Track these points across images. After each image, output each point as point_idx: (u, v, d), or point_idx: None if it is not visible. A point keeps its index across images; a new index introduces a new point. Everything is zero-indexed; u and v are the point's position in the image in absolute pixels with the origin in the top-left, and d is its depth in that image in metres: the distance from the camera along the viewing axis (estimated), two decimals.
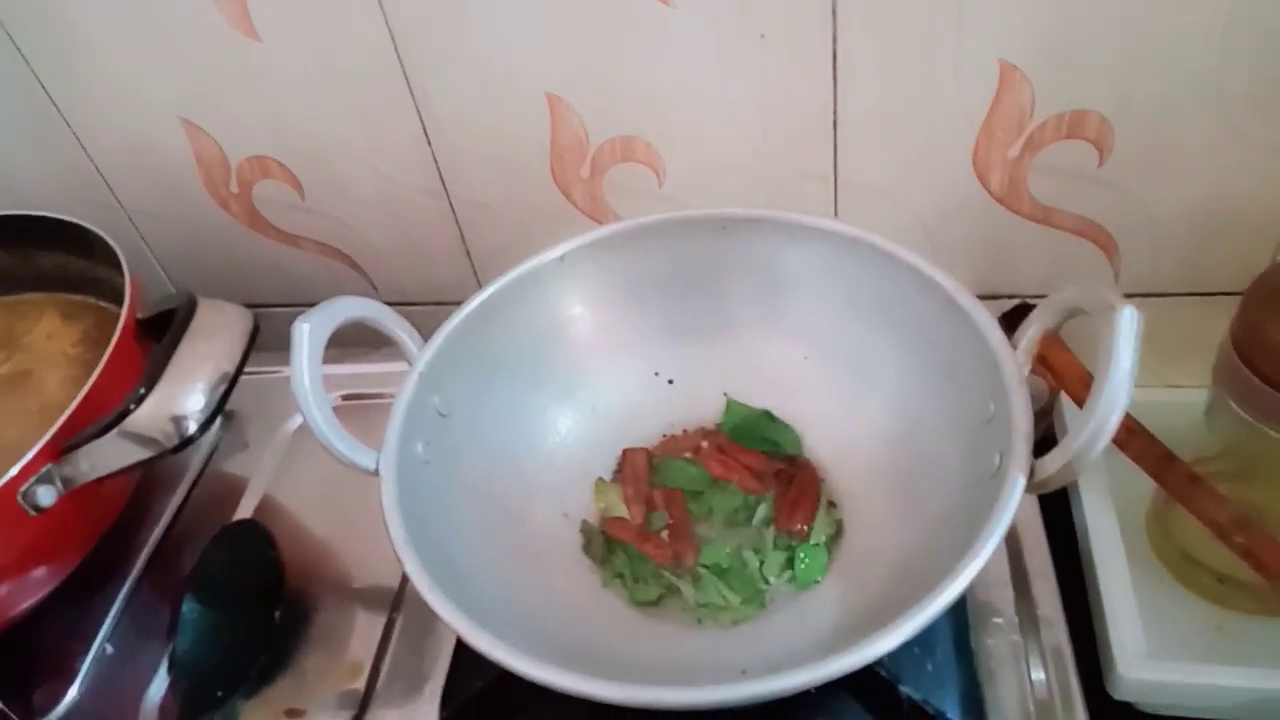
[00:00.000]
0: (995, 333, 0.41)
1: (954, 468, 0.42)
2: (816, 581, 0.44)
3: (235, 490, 0.58)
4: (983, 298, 0.42)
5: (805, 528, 0.45)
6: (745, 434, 0.50)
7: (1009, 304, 0.55)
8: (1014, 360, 0.39)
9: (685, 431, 0.51)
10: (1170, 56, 0.47)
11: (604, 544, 0.47)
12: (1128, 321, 0.35)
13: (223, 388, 0.45)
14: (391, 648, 0.48)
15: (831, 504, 0.47)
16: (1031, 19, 0.47)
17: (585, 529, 0.48)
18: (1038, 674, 0.43)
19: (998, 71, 0.49)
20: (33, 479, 0.42)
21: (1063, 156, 0.51)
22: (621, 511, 0.48)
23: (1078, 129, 0.50)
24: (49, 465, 0.43)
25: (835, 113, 0.52)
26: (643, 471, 0.49)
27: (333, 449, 0.42)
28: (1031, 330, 0.40)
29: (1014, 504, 0.35)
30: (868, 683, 0.40)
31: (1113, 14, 0.46)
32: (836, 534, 0.46)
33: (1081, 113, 0.50)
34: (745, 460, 0.48)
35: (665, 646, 0.42)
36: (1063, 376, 0.45)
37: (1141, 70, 0.48)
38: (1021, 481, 0.36)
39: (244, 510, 0.57)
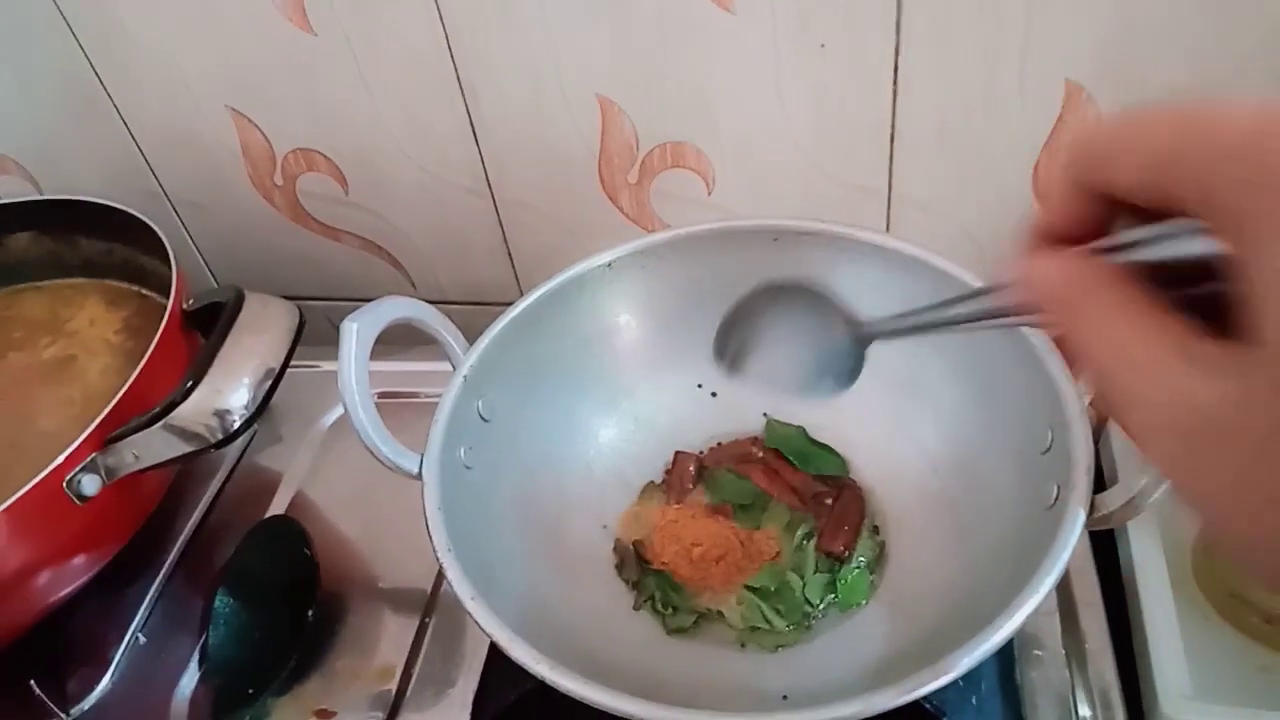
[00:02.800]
0: (1055, 360, 0.40)
1: (1007, 498, 0.41)
2: (859, 605, 0.43)
3: (269, 485, 0.58)
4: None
5: (847, 550, 0.44)
6: (787, 453, 0.49)
7: None
8: (1075, 390, 0.38)
9: (735, 439, 0.50)
10: (1239, 82, 0.46)
11: (637, 566, 0.46)
12: None
13: (268, 384, 0.45)
14: (423, 652, 0.48)
15: (875, 528, 0.46)
16: (1100, 39, 0.46)
17: (619, 548, 0.47)
18: (1084, 710, 0.42)
19: (1063, 91, 0.48)
20: (78, 468, 0.42)
21: None
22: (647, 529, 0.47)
23: None
24: (94, 454, 0.43)
25: (893, 126, 0.51)
26: (689, 478, 0.49)
27: (377, 451, 0.41)
28: None
29: (1073, 539, 0.34)
30: (911, 714, 0.39)
31: (1181, 37, 0.45)
32: (879, 557, 0.45)
33: None
34: (791, 478, 0.48)
35: (704, 667, 0.42)
36: None
37: (1209, 94, 0.46)
38: (1082, 517, 0.35)
39: (277, 506, 0.56)
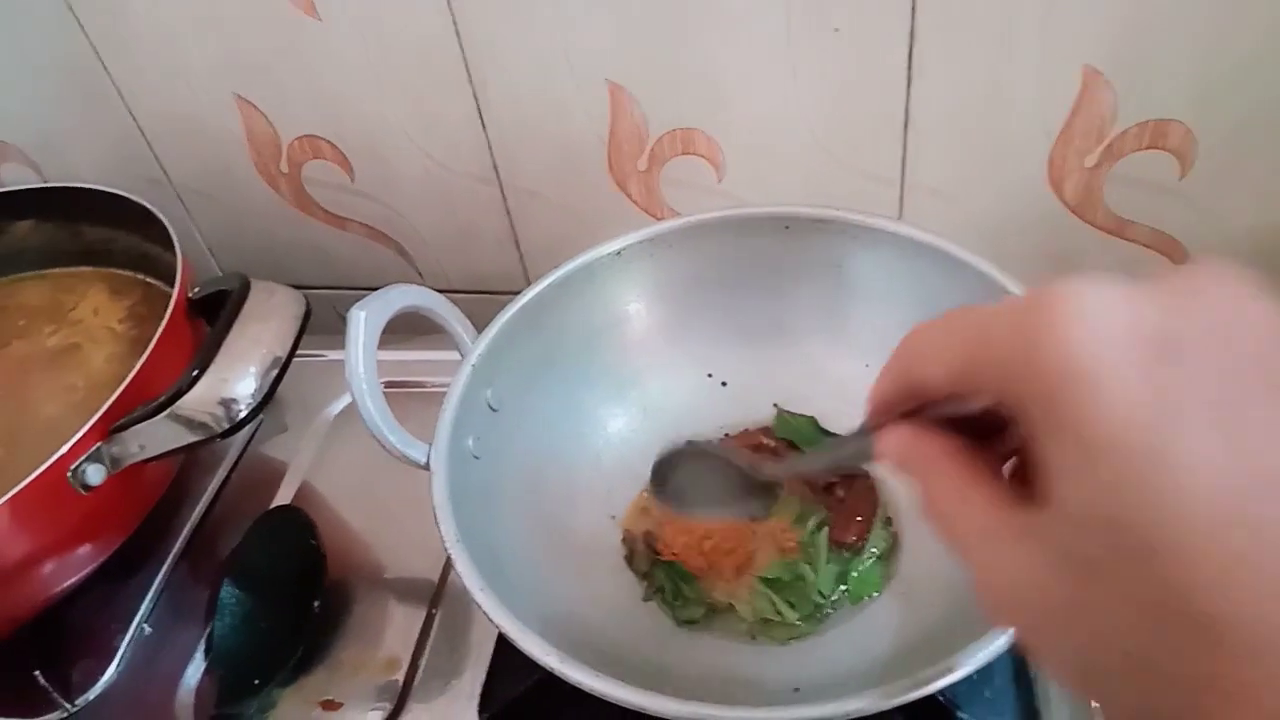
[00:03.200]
0: None
1: None
2: (872, 596, 0.43)
3: (274, 475, 0.57)
4: None
5: (859, 540, 0.44)
6: (798, 443, 0.48)
7: None
8: None
9: (745, 430, 0.50)
10: (1260, 69, 0.45)
11: (647, 557, 0.45)
12: None
13: (274, 372, 0.44)
14: (430, 643, 0.48)
15: (888, 519, 0.45)
16: (1119, 24, 0.45)
17: (628, 539, 0.46)
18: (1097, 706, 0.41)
19: (1080, 76, 0.47)
20: (83, 457, 0.42)
21: (1142, 167, 0.50)
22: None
23: (1160, 139, 0.48)
24: (99, 444, 0.42)
25: (907, 113, 0.50)
26: None
27: (385, 440, 0.41)
28: None
29: None
30: (923, 707, 0.38)
31: (1204, 22, 0.44)
32: (892, 548, 0.44)
33: (1165, 122, 0.48)
34: None
35: (714, 660, 0.41)
36: None
37: (1231, 82, 0.46)
38: None
39: (283, 496, 0.56)
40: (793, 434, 0.49)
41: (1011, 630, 0.21)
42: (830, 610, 0.43)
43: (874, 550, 0.44)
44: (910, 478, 0.23)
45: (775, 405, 0.50)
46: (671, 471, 0.38)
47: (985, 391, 0.20)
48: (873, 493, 0.46)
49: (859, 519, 0.45)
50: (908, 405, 0.23)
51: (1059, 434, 0.18)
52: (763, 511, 0.36)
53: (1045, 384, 0.18)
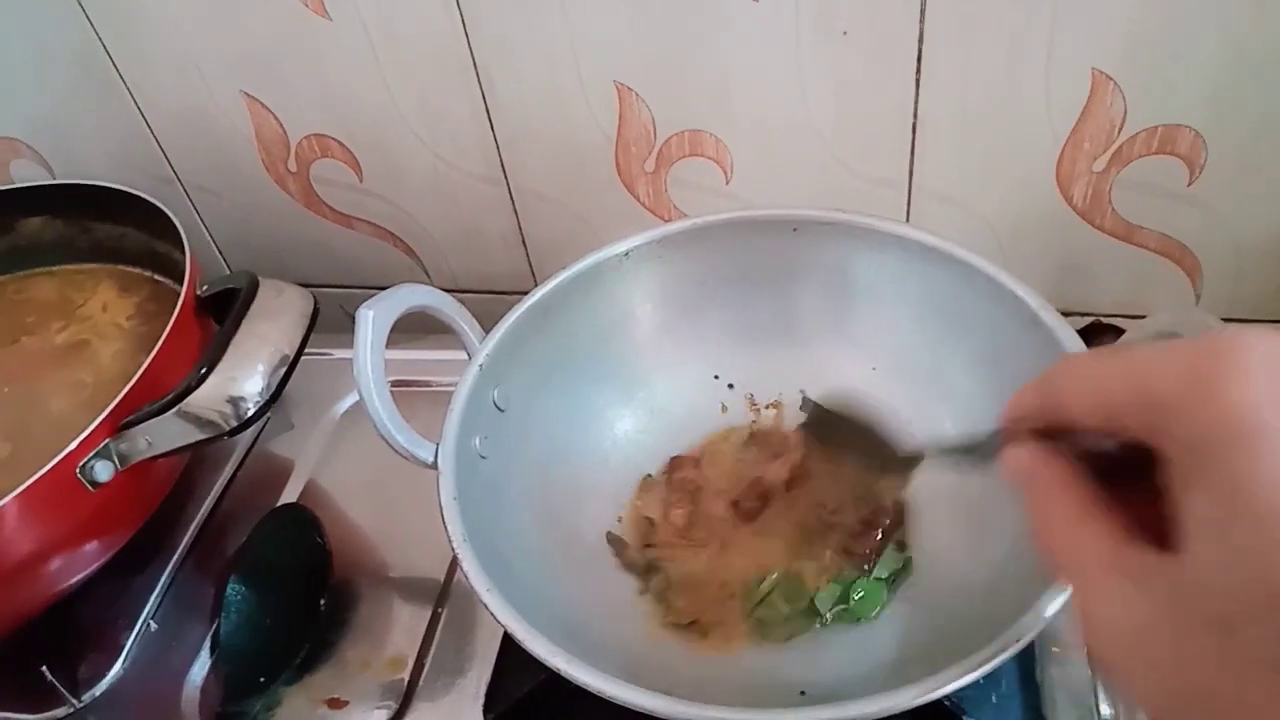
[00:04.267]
0: None
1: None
2: (872, 616, 0.42)
3: (281, 472, 0.58)
4: None
5: (871, 555, 0.43)
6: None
7: (1082, 321, 0.54)
8: None
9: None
10: (1269, 74, 0.45)
11: (643, 562, 0.45)
12: None
13: (282, 371, 0.45)
14: (436, 641, 0.48)
15: (902, 543, 0.44)
16: (1129, 28, 0.45)
17: (612, 540, 0.46)
18: (1105, 709, 0.41)
19: (1089, 80, 0.47)
20: (91, 454, 0.42)
21: (1151, 172, 0.49)
22: (653, 512, 0.47)
23: (1169, 144, 0.48)
24: (107, 440, 0.43)
25: (915, 116, 0.50)
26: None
27: (392, 440, 0.41)
28: None
29: None
30: (930, 712, 0.38)
31: (1214, 27, 0.44)
32: (900, 572, 0.43)
33: (1174, 127, 0.48)
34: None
35: (720, 661, 0.41)
36: None
37: (1241, 87, 0.46)
38: None
39: (289, 494, 0.56)
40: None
41: (1113, 670, 0.20)
42: (825, 622, 0.42)
43: (880, 575, 0.43)
44: (1027, 496, 0.23)
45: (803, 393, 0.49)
46: (826, 414, 0.39)
47: (1134, 431, 0.20)
48: (898, 515, 0.45)
49: (876, 533, 0.44)
50: (1042, 425, 0.23)
51: (1211, 486, 0.18)
52: (900, 478, 0.37)
53: (1206, 434, 0.18)
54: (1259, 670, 0.17)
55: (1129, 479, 0.21)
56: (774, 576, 0.43)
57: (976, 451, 0.27)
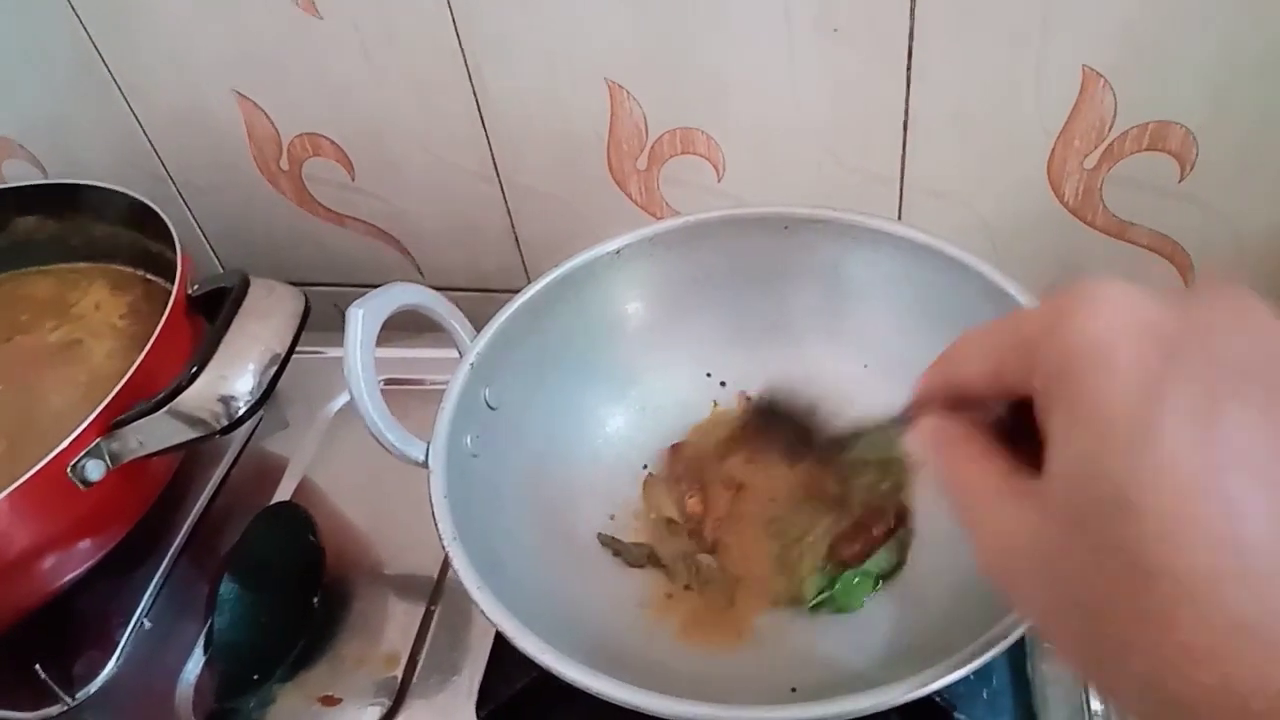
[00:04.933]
0: None
1: None
2: (854, 609, 0.42)
3: (275, 470, 0.58)
4: None
5: (860, 557, 0.43)
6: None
7: None
8: None
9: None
10: (1261, 72, 0.45)
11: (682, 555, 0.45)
12: None
13: (273, 370, 0.45)
14: (429, 639, 0.48)
15: (903, 547, 0.44)
16: (1120, 25, 0.45)
17: (604, 541, 0.46)
18: (1096, 704, 0.42)
19: (1080, 78, 0.47)
20: (83, 453, 0.42)
21: (1142, 169, 0.50)
22: (670, 510, 0.47)
23: (1160, 141, 0.48)
24: (98, 440, 0.43)
25: (907, 113, 0.50)
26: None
27: (383, 439, 0.41)
28: None
29: None
30: (921, 708, 0.38)
31: (1205, 25, 0.44)
32: (892, 572, 0.43)
33: (1165, 124, 0.48)
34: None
35: (711, 658, 0.41)
36: None
37: (1231, 84, 0.46)
38: None
39: (283, 491, 0.56)
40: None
41: (1001, 585, 0.22)
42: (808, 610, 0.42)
43: (870, 570, 0.43)
44: (933, 455, 0.25)
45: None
46: (765, 407, 0.39)
47: (1014, 380, 0.22)
48: (898, 514, 0.45)
49: (873, 532, 0.44)
50: (947, 401, 0.25)
51: (1061, 405, 0.20)
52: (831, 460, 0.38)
53: (1061, 360, 0.20)
54: (1114, 564, 0.18)
55: (1025, 440, 0.23)
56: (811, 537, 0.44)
57: (892, 431, 0.28)
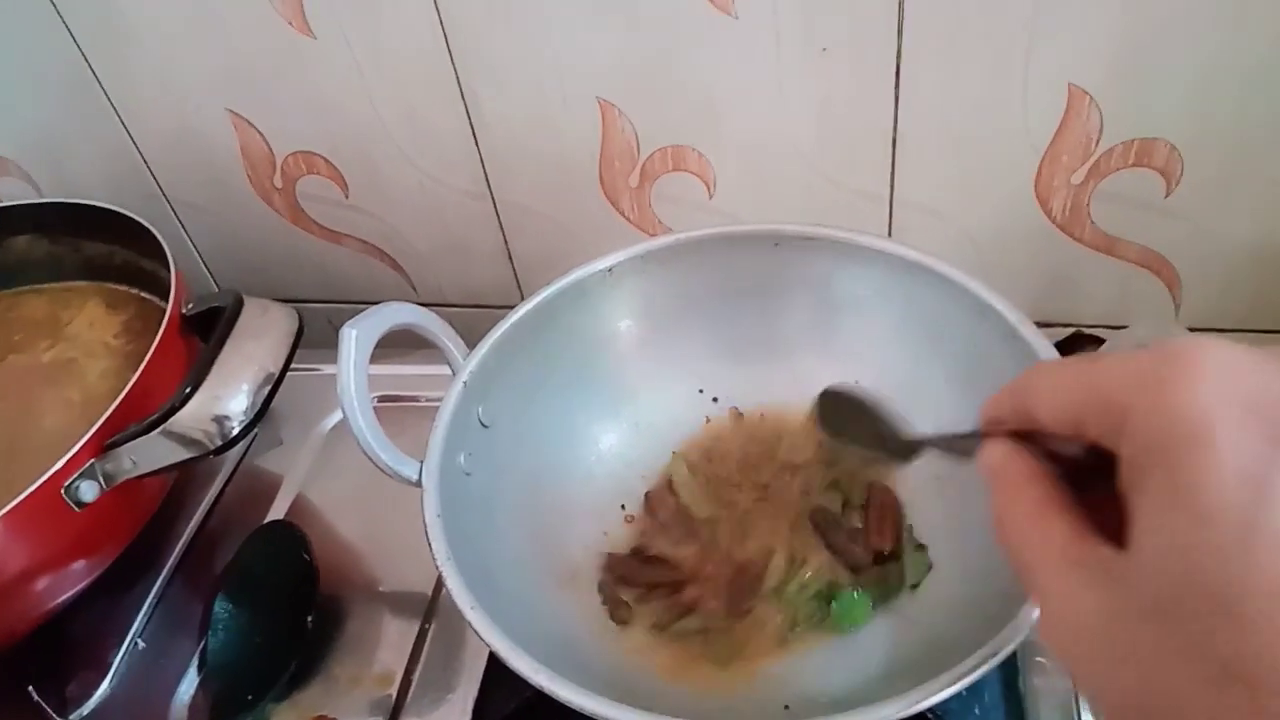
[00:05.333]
0: None
1: None
2: (850, 630, 0.42)
3: (269, 488, 0.58)
4: (1037, 325, 0.41)
5: (886, 549, 0.43)
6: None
7: (1064, 332, 0.54)
8: None
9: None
10: (1246, 89, 0.46)
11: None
12: None
13: (267, 389, 0.45)
14: (423, 658, 0.48)
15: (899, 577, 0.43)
16: (1105, 43, 0.45)
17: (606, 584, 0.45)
18: (1088, 718, 0.42)
19: (1066, 95, 0.47)
20: (76, 474, 0.42)
21: (1129, 185, 0.50)
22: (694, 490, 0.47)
23: (1146, 157, 0.49)
24: (92, 460, 0.43)
25: (895, 131, 0.51)
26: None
27: (376, 459, 0.41)
28: None
29: None
30: None
31: (1189, 43, 0.45)
32: (895, 590, 0.43)
33: (1151, 141, 0.48)
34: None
35: (705, 677, 0.41)
36: None
37: (1215, 101, 0.46)
38: None
39: (277, 510, 0.56)
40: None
41: (1060, 658, 0.21)
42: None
43: (869, 590, 0.43)
44: (992, 490, 0.24)
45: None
46: (835, 401, 0.40)
47: (1095, 434, 0.21)
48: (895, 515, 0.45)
49: (887, 530, 0.44)
50: (1015, 427, 0.24)
51: (1159, 486, 0.18)
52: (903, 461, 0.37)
53: (1157, 435, 0.18)
54: (1192, 665, 0.17)
55: (1095, 482, 0.22)
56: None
57: (960, 447, 0.28)
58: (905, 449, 0.35)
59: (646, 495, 0.48)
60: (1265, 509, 0.17)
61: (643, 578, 0.45)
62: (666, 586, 0.44)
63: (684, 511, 0.47)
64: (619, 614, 0.44)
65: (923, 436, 0.34)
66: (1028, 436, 0.24)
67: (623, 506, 0.48)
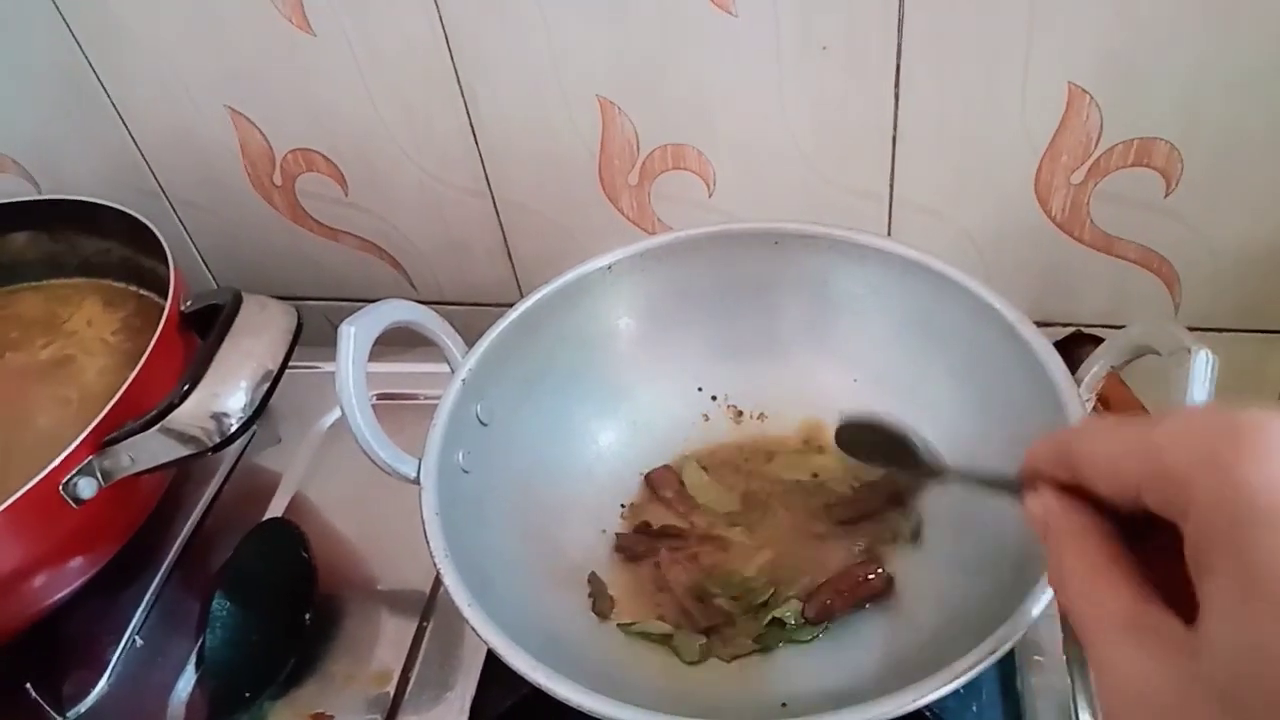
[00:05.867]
0: (1058, 368, 0.39)
1: (1007, 505, 0.40)
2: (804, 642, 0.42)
3: (267, 486, 0.58)
4: (1036, 324, 0.41)
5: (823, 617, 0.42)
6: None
7: (1063, 331, 0.54)
8: (1078, 397, 0.38)
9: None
10: (1244, 87, 0.46)
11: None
12: (1203, 365, 0.34)
13: (265, 386, 0.45)
14: (421, 655, 0.48)
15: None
16: (1104, 42, 0.45)
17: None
18: (1085, 716, 0.42)
19: (1065, 94, 0.47)
20: (74, 471, 0.42)
21: (1128, 184, 0.50)
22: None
23: (1145, 157, 0.49)
24: (90, 457, 0.43)
25: (895, 129, 0.51)
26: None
27: (374, 456, 0.41)
28: (1097, 367, 0.39)
29: None
30: None
31: (1187, 41, 0.45)
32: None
33: (1150, 140, 0.48)
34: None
35: (701, 674, 0.41)
36: (1119, 413, 0.44)
37: (1215, 100, 0.46)
38: None
39: (276, 507, 0.56)
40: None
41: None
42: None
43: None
44: (1047, 546, 0.23)
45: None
46: (859, 425, 0.40)
47: (1152, 507, 0.20)
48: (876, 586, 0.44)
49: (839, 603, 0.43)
50: (1064, 482, 0.23)
51: (1230, 570, 0.18)
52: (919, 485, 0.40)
53: (1223, 515, 0.18)
54: None
55: (1148, 530, 0.21)
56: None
57: (999, 487, 0.28)
58: (929, 473, 0.36)
59: (646, 476, 0.49)
60: None
61: (649, 545, 0.45)
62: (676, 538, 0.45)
63: (687, 492, 0.48)
64: (600, 607, 0.44)
65: (954, 468, 0.34)
66: (1074, 487, 0.23)
67: (621, 505, 0.48)
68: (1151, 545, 0.21)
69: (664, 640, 0.43)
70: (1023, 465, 0.25)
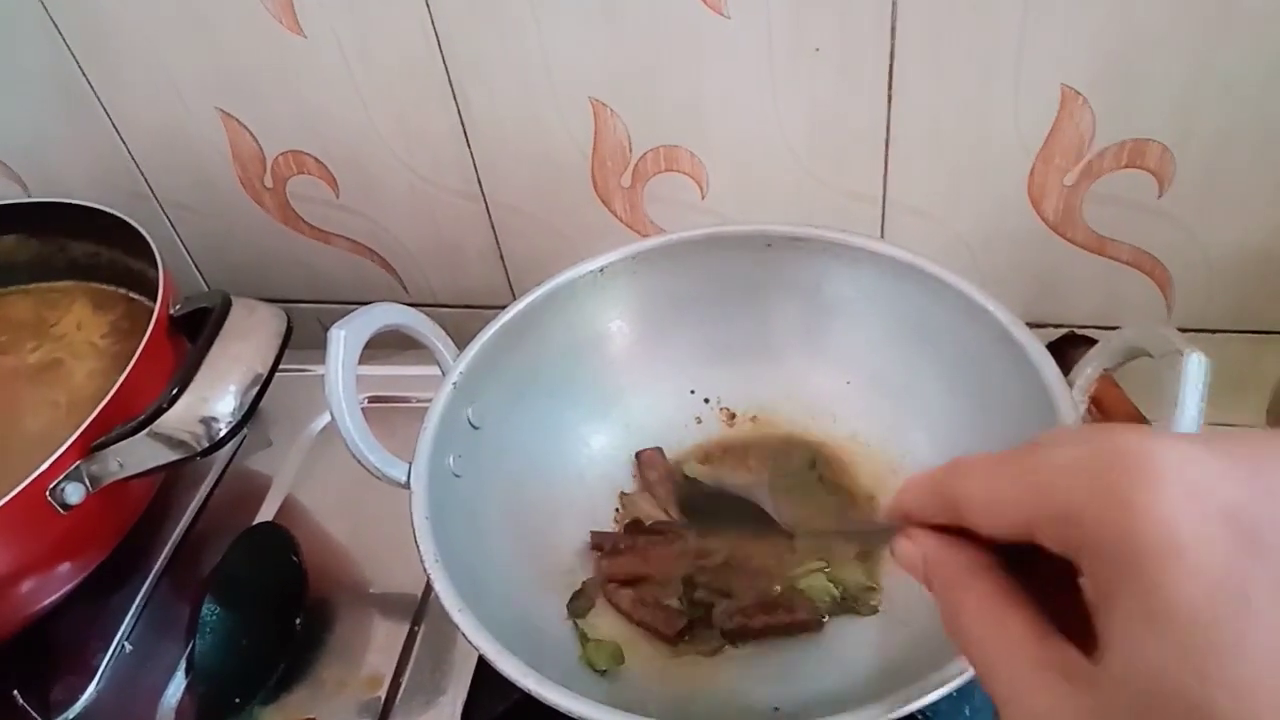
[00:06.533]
0: (1051, 370, 0.39)
1: None
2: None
3: (258, 490, 0.57)
4: (1029, 326, 0.41)
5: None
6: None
7: (1056, 333, 0.54)
8: (1070, 400, 0.38)
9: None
10: (1237, 89, 0.46)
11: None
12: (1195, 368, 0.34)
13: (254, 390, 0.44)
14: (412, 660, 0.47)
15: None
16: (1096, 44, 0.45)
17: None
18: None
19: (1059, 96, 0.47)
20: (62, 476, 0.41)
21: (1122, 186, 0.50)
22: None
23: (1138, 158, 0.49)
24: (78, 462, 0.42)
25: (888, 131, 0.51)
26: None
27: (364, 460, 0.41)
28: (1090, 369, 0.39)
29: None
30: None
31: (1180, 43, 0.45)
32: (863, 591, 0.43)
33: (1143, 142, 0.48)
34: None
35: (693, 679, 0.41)
36: (1112, 416, 0.44)
37: (1207, 102, 0.46)
38: None
39: (266, 511, 0.56)
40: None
41: None
42: None
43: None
44: (934, 589, 0.22)
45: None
46: (697, 496, 0.41)
47: (1046, 543, 0.19)
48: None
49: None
50: (945, 524, 0.22)
51: (1129, 601, 0.17)
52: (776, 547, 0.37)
53: (1121, 548, 0.17)
54: None
55: (1032, 559, 0.21)
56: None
57: (866, 537, 0.27)
58: (782, 534, 0.36)
59: (638, 455, 0.49)
60: (1244, 618, 0.16)
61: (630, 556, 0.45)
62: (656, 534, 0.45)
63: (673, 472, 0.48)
64: (575, 606, 0.44)
65: (804, 529, 0.33)
66: (950, 527, 0.22)
67: (615, 509, 0.48)
68: (1037, 574, 0.21)
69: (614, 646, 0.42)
70: (890, 509, 0.24)
